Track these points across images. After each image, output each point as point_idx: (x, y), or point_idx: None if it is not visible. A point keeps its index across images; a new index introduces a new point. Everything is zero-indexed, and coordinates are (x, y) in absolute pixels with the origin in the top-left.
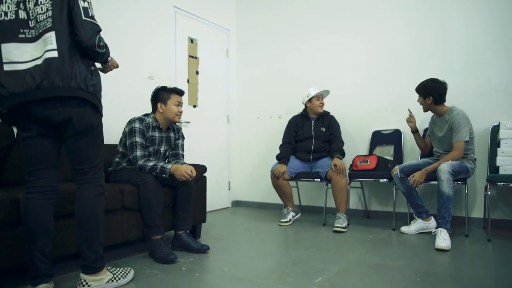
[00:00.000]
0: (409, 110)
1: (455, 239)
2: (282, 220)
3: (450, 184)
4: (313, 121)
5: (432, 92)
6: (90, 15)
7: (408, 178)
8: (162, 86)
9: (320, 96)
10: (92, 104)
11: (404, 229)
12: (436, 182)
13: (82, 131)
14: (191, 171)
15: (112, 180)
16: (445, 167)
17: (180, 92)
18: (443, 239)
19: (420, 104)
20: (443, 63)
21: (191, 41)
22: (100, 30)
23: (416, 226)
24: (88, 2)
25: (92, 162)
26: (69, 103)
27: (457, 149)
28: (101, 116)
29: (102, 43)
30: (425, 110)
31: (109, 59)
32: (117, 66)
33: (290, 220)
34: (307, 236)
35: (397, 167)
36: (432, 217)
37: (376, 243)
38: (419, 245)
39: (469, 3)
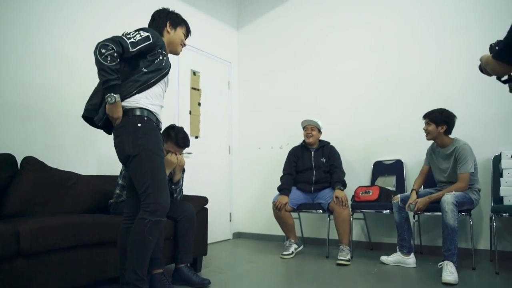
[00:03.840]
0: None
1: (462, 272)
2: (284, 253)
3: (455, 216)
4: (313, 152)
5: (448, 120)
6: (121, 34)
7: (411, 203)
8: (175, 128)
9: (308, 126)
10: (123, 129)
11: (383, 258)
12: (440, 213)
13: (122, 160)
14: (176, 158)
15: (113, 212)
16: (449, 198)
17: (177, 143)
18: (450, 273)
19: (428, 131)
20: (443, 93)
21: (194, 73)
22: (113, 38)
23: (394, 258)
24: (129, 36)
25: (140, 188)
26: (113, 134)
27: (462, 181)
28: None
29: (102, 50)
30: (431, 138)
31: (111, 96)
32: (115, 117)
33: (292, 252)
34: (310, 269)
35: (398, 195)
36: (412, 254)
37: (381, 276)
38: (426, 278)
39: (471, 32)
